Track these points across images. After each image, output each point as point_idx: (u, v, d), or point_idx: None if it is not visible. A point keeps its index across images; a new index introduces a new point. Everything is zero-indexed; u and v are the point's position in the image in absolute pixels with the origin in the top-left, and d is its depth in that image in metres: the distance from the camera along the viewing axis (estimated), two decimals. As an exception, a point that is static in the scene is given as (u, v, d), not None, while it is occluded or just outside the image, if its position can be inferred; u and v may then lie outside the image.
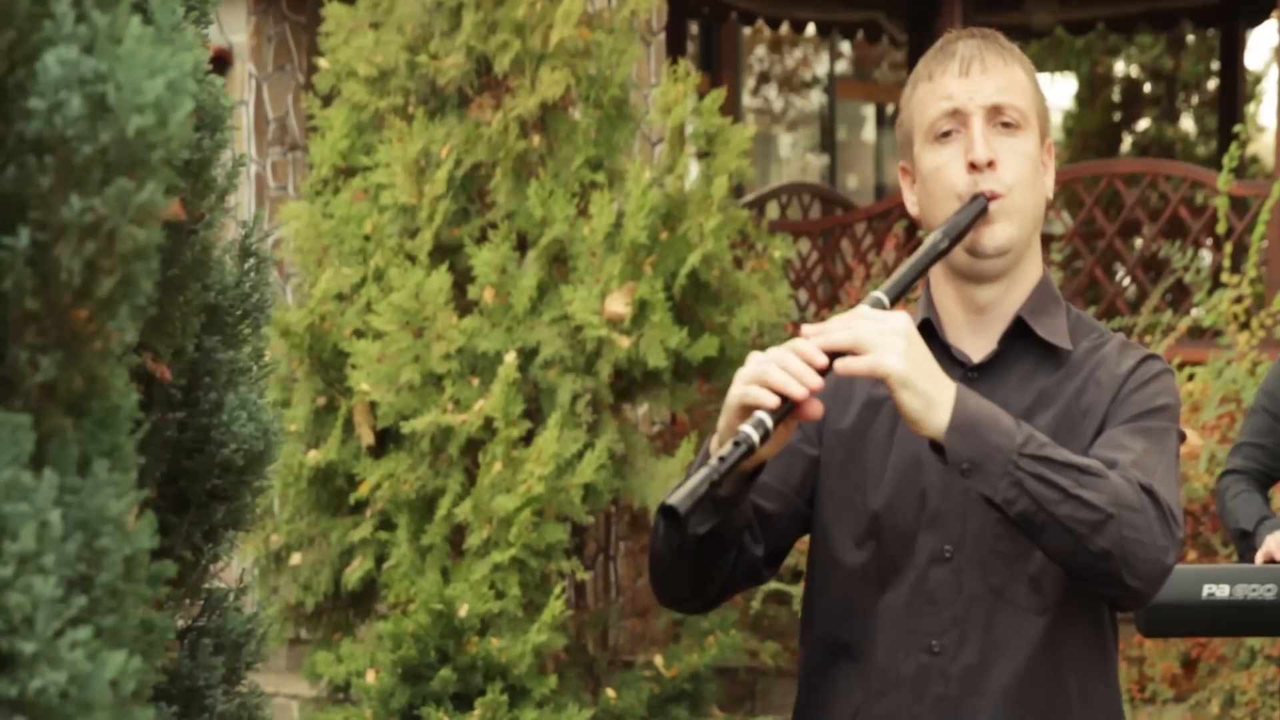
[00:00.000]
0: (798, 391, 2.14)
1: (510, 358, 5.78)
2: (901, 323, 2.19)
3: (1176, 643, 6.48)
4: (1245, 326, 7.14)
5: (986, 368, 2.43)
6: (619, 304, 5.81)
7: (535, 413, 6.02)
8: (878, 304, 2.27)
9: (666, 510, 2.06)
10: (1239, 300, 7.13)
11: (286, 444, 6.02)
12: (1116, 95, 15.44)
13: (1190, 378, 6.94)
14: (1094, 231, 9.97)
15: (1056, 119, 18.00)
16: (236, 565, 6.33)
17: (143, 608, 1.59)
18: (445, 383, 5.86)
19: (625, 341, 5.78)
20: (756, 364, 2.18)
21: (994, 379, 2.42)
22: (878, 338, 2.16)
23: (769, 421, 2.13)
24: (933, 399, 2.17)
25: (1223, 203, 7.54)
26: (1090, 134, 15.13)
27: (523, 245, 6.13)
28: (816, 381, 2.15)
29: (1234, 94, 11.89)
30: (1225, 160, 7.38)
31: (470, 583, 5.73)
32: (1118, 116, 15.35)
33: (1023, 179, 2.39)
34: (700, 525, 2.27)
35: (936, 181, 2.41)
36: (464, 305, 6.05)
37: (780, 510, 2.42)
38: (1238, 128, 7.91)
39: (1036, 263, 2.48)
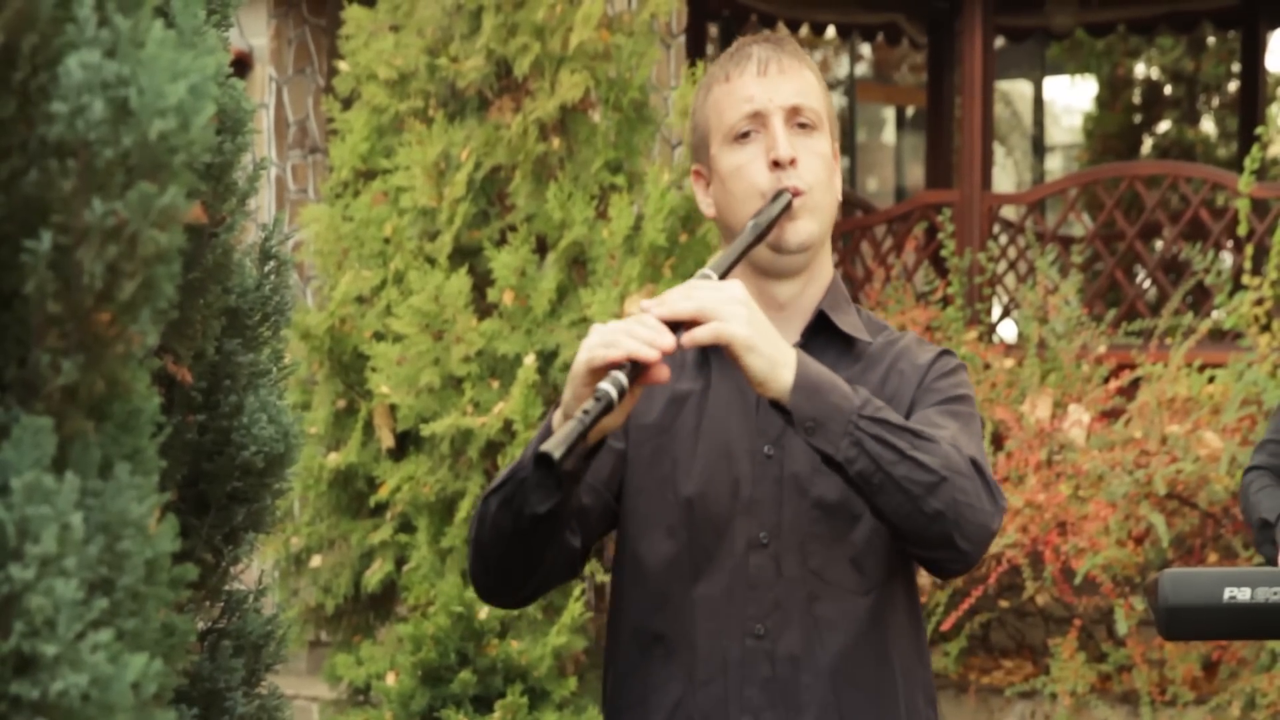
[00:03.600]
0: (650, 354, 2.17)
1: (530, 360, 5.79)
2: (740, 290, 2.23)
3: (1197, 645, 6.47)
4: (1266, 329, 7.12)
5: None
6: (638, 306, 5.81)
7: (555, 415, 6.01)
8: (707, 279, 2.31)
9: (541, 458, 2.07)
10: (1260, 303, 7.11)
11: (307, 446, 6.03)
12: (1137, 97, 15.39)
13: (1211, 380, 6.92)
14: (1114, 234, 9.96)
15: (1077, 121, 17.96)
16: (256, 567, 6.35)
17: (164, 610, 1.60)
18: (465, 385, 5.86)
19: (645, 344, 5.77)
20: (604, 333, 2.21)
21: None
22: (720, 305, 2.21)
23: (625, 380, 2.16)
24: (777, 360, 2.21)
25: (1244, 205, 7.53)
26: (1110, 136, 15.08)
27: (542, 248, 6.13)
28: (668, 342, 2.18)
29: (1255, 96, 11.85)
30: (1246, 162, 7.36)
31: (490, 585, 5.73)
32: (1138, 118, 15.30)
33: (820, 178, 2.46)
34: (541, 504, 2.29)
35: (738, 180, 2.46)
36: (484, 308, 6.05)
37: (592, 504, 2.45)
38: (1259, 130, 7.89)
39: (829, 262, 2.55)
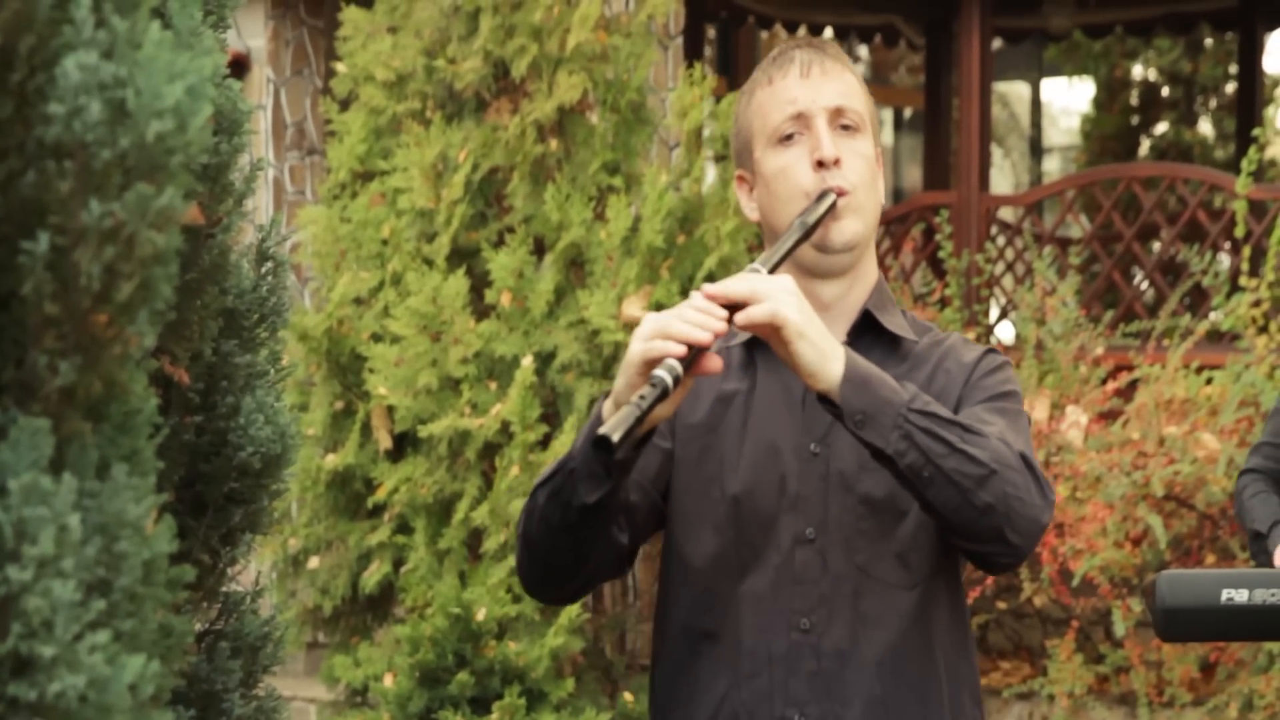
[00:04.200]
0: (702, 337, 2.19)
1: (527, 361, 5.79)
2: (791, 283, 2.26)
3: (1194, 647, 6.47)
4: (1264, 330, 7.13)
5: None
6: (636, 308, 5.81)
7: (552, 416, 6.02)
8: (755, 273, 2.33)
9: (600, 440, 2.08)
10: (1257, 304, 7.11)
11: (304, 448, 6.03)
12: (1134, 99, 15.38)
13: (1208, 382, 6.92)
14: (1112, 235, 9.95)
15: (1074, 123, 17.96)
16: (253, 568, 6.34)
17: (161, 611, 1.59)
18: (463, 386, 5.86)
19: (642, 345, 5.77)
20: (656, 322, 2.23)
21: None
22: (774, 291, 2.23)
23: (679, 367, 2.17)
24: (827, 352, 2.23)
25: (1241, 206, 7.53)
26: (1108, 137, 15.08)
27: (540, 249, 6.13)
28: (720, 324, 2.20)
29: (1252, 97, 11.84)
30: (1244, 164, 7.36)
31: (487, 586, 5.73)
32: (1136, 120, 15.30)
33: (864, 179, 2.48)
34: (590, 494, 2.29)
35: (783, 182, 2.48)
36: (481, 309, 6.05)
37: (640, 501, 2.45)
38: (1256, 131, 7.89)
39: (874, 264, 2.57)
